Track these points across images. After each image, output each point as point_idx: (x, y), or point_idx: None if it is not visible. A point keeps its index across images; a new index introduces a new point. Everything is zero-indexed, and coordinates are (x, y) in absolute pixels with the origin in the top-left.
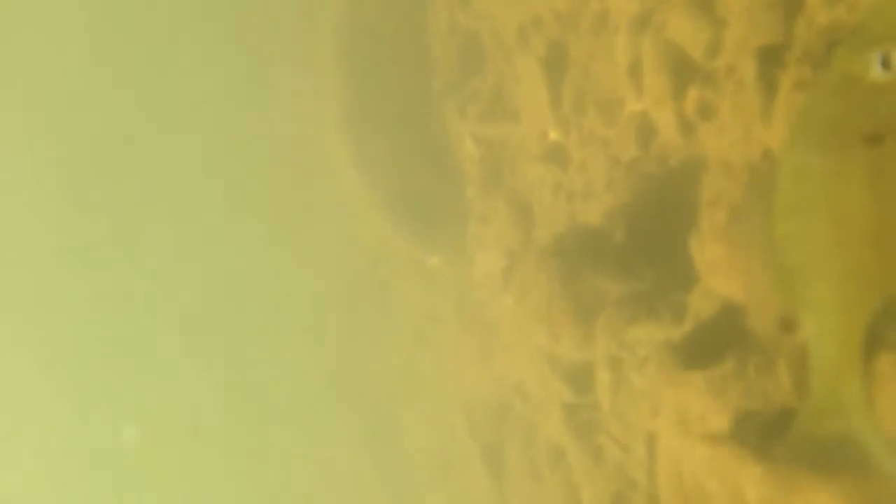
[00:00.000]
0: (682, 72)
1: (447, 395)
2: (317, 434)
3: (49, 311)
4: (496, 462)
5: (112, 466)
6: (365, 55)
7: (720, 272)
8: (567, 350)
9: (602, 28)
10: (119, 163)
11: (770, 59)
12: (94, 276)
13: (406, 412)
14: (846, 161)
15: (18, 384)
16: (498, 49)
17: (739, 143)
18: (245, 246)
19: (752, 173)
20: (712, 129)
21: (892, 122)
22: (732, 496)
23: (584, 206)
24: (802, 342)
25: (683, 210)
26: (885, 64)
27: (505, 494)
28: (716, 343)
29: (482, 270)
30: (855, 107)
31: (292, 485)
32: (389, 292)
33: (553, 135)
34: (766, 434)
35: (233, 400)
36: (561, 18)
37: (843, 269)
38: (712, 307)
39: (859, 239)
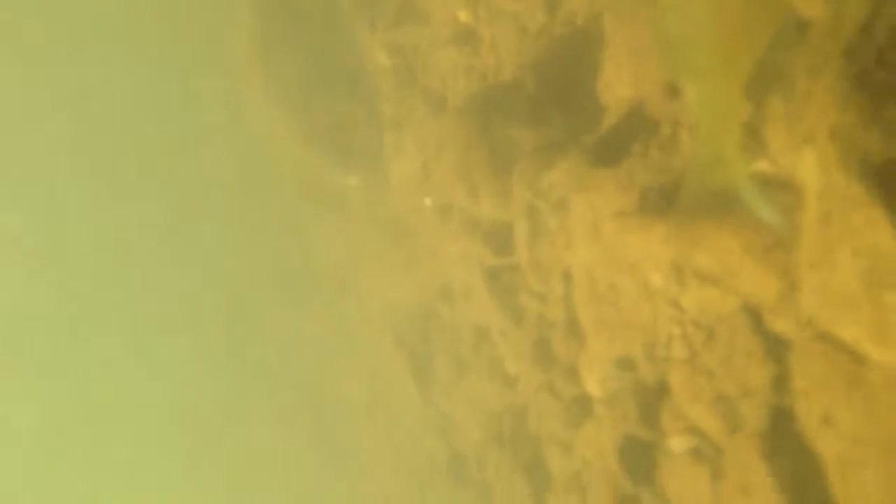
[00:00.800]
0: None
1: (375, 333)
2: (247, 409)
3: None
4: (424, 371)
5: None
6: None
7: (621, 72)
8: (486, 208)
9: None
10: None
11: None
12: None
13: (335, 362)
14: None
15: None
16: None
17: None
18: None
19: None
20: None
21: None
22: (640, 286)
23: (496, 80)
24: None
25: (591, 58)
26: None
27: (433, 400)
28: (621, 141)
29: (400, 176)
30: None
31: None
32: (309, 241)
33: (462, 16)
34: (670, 199)
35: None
36: None
37: (716, 32)
38: (617, 113)
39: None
